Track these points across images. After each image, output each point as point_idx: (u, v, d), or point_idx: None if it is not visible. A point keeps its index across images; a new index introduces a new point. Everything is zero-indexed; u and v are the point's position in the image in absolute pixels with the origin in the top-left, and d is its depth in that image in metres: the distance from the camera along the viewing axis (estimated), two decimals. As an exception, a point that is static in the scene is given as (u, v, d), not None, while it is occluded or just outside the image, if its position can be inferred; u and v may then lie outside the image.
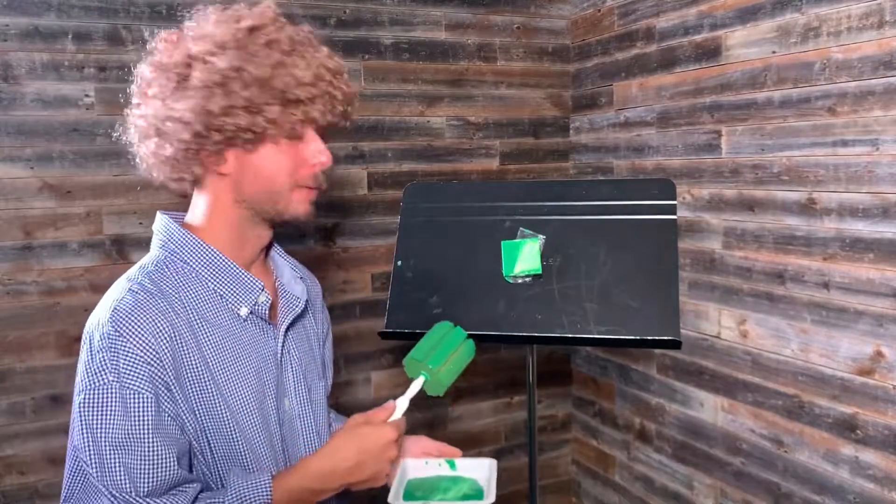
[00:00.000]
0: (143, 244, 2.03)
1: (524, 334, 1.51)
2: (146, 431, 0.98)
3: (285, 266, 1.26)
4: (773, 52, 1.81)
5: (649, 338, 1.44)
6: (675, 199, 1.57)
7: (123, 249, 2.00)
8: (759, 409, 1.93)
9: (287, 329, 1.18)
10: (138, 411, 0.98)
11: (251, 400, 1.10)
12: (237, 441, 1.08)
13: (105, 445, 0.97)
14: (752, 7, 1.86)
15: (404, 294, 1.62)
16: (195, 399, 1.04)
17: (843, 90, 1.66)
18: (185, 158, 1.08)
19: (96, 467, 0.97)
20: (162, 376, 1.00)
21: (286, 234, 2.17)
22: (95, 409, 0.98)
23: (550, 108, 2.55)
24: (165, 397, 1.01)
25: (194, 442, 1.05)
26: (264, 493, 1.02)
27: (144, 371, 0.99)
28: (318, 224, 2.25)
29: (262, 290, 1.13)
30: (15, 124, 1.86)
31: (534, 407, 1.72)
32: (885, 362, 1.62)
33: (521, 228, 1.61)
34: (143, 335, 1.00)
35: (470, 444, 2.52)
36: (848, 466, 1.72)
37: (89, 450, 0.97)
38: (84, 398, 0.98)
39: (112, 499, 0.97)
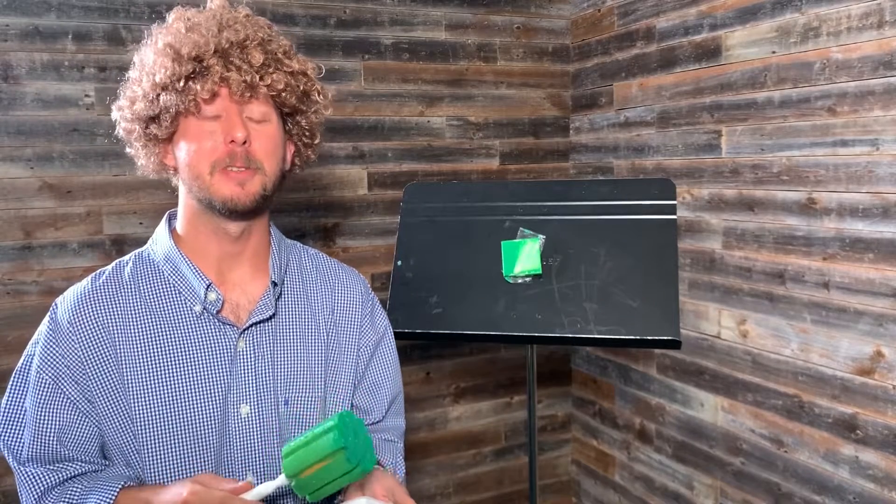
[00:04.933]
0: (143, 244, 2.03)
1: (524, 334, 1.51)
2: (35, 408, 1.05)
3: (308, 271, 1.24)
4: (773, 52, 1.81)
5: (649, 338, 1.44)
6: (674, 199, 1.57)
7: (123, 249, 1.99)
8: (759, 409, 1.93)
9: (246, 331, 1.11)
10: (36, 389, 1.06)
11: (186, 399, 1.07)
12: (141, 438, 1.05)
13: (8, 408, 1.08)
14: (752, 7, 1.86)
15: (404, 294, 1.62)
16: (101, 392, 1.06)
17: (843, 90, 1.66)
18: (145, 155, 1.12)
19: (2, 425, 1.08)
20: (70, 364, 1.05)
21: (285, 233, 2.17)
22: (16, 375, 1.09)
23: (550, 108, 2.55)
24: (69, 384, 1.05)
25: (112, 432, 1.06)
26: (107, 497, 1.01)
27: (56, 354, 1.06)
28: (318, 224, 2.25)
29: (209, 287, 1.10)
30: (15, 124, 1.86)
31: (534, 407, 1.72)
32: (884, 362, 1.62)
33: (521, 228, 1.61)
34: (70, 325, 1.07)
35: (470, 444, 2.52)
36: (848, 466, 1.72)
37: (3, 408, 1.08)
38: (20, 361, 1.10)
39: (7, 454, 1.07)
